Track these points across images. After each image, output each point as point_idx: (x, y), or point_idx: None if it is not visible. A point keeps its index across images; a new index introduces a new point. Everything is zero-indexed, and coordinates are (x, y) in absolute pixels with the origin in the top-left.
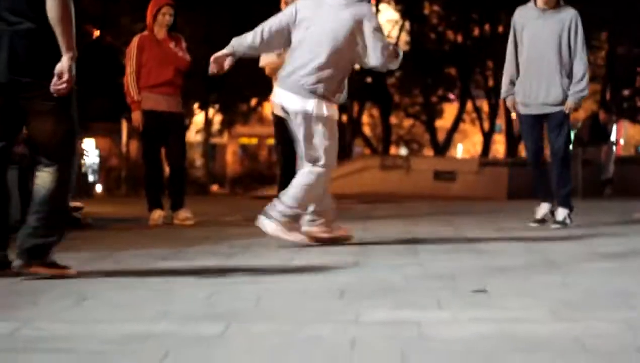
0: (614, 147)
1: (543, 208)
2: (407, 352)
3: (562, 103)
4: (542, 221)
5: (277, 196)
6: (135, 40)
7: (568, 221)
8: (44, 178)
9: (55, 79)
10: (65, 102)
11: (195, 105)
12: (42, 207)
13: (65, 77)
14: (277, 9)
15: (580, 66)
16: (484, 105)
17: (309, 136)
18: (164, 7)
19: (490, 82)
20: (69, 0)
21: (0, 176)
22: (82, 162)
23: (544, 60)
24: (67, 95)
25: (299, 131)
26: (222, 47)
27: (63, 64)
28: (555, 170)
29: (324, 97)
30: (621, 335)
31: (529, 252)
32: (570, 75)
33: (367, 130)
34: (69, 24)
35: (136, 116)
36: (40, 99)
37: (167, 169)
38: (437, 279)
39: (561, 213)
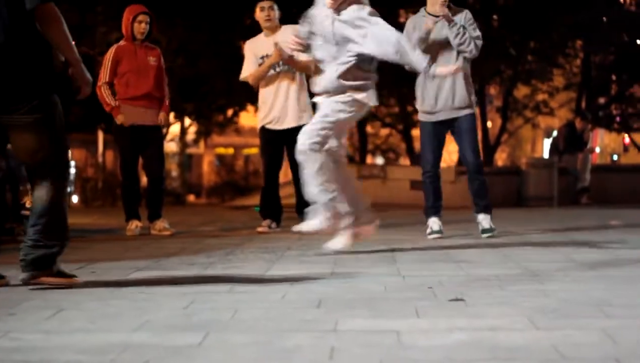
0: (590, 155)
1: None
2: (385, 360)
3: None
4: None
5: (254, 207)
6: (112, 51)
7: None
8: (39, 190)
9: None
10: (48, 114)
11: (171, 115)
12: (40, 219)
13: (82, 86)
14: (252, 19)
15: None
16: None
17: None
18: (140, 15)
19: None
20: (60, 20)
21: None
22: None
23: None
24: (47, 107)
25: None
26: (199, 58)
27: (74, 74)
28: None
29: None
30: (599, 344)
31: (506, 261)
32: None
33: None
34: (67, 43)
35: (120, 119)
36: (18, 113)
37: (144, 179)
38: (415, 288)
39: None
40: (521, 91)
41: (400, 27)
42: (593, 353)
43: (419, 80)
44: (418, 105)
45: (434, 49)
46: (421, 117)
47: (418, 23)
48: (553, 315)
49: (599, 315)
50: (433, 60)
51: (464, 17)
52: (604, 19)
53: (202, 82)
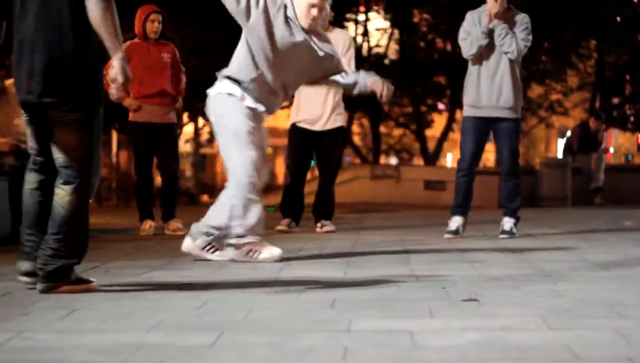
0: (604, 155)
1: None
2: (399, 360)
3: None
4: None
5: (268, 207)
6: (123, 47)
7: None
8: (62, 196)
9: (112, 84)
10: (90, 115)
11: (185, 116)
12: (62, 228)
13: (120, 80)
14: None
15: None
16: None
17: None
18: (152, 14)
19: None
20: (113, 5)
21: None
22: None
23: None
24: (91, 108)
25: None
26: (212, 57)
27: (114, 67)
28: None
29: None
30: (612, 344)
31: (520, 261)
32: None
33: (356, 139)
34: (113, 24)
35: (128, 102)
36: (62, 110)
37: (158, 179)
38: (428, 288)
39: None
40: (535, 91)
41: (415, 26)
42: (606, 353)
43: (470, 71)
44: (464, 98)
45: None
46: (465, 111)
47: (479, 18)
48: (566, 315)
49: (612, 315)
50: (481, 58)
51: (520, 19)
52: (618, 18)
53: (215, 81)
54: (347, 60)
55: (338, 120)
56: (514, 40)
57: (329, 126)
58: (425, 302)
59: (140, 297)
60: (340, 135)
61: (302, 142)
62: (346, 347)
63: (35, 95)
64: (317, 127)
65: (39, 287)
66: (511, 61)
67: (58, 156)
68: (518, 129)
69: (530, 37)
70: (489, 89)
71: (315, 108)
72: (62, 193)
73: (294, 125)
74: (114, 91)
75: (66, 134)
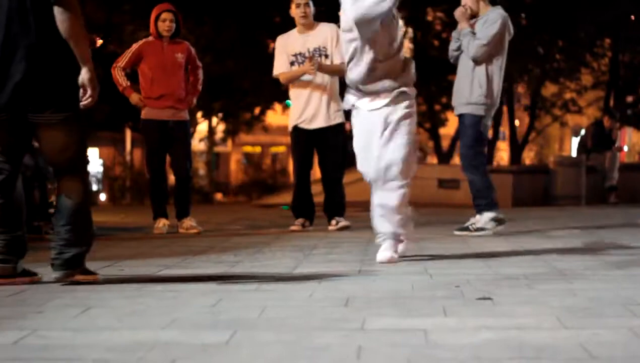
0: (618, 154)
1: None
2: (413, 359)
3: None
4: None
5: (282, 205)
6: (139, 43)
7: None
8: (68, 190)
9: (81, 92)
10: (76, 112)
11: (199, 114)
12: (71, 218)
13: (89, 91)
14: (281, 17)
15: None
16: None
17: None
18: (163, 13)
19: None
20: (78, 13)
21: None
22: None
23: None
24: (75, 105)
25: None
26: (227, 56)
27: (83, 78)
28: None
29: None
30: (627, 343)
31: (534, 260)
32: None
33: None
34: (82, 37)
35: (134, 98)
36: (49, 112)
37: (172, 178)
38: (442, 287)
39: None
40: (549, 89)
41: (429, 25)
42: (621, 352)
43: None
44: None
45: None
46: None
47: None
48: (581, 314)
49: (627, 314)
50: (458, 61)
51: (486, 18)
52: (632, 17)
53: (229, 80)
54: (341, 55)
55: (337, 117)
56: (467, 41)
57: (328, 123)
58: (439, 301)
59: (155, 295)
60: (342, 132)
61: (302, 142)
62: (360, 345)
63: (25, 103)
64: (316, 125)
65: (55, 275)
66: (475, 61)
67: (53, 157)
68: (473, 125)
69: (491, 32)
70: (456, 88)
71: (311, 107)
72: (67, 185)
73: (294, 127)
74: (85, 102)
75: (57, 134)
